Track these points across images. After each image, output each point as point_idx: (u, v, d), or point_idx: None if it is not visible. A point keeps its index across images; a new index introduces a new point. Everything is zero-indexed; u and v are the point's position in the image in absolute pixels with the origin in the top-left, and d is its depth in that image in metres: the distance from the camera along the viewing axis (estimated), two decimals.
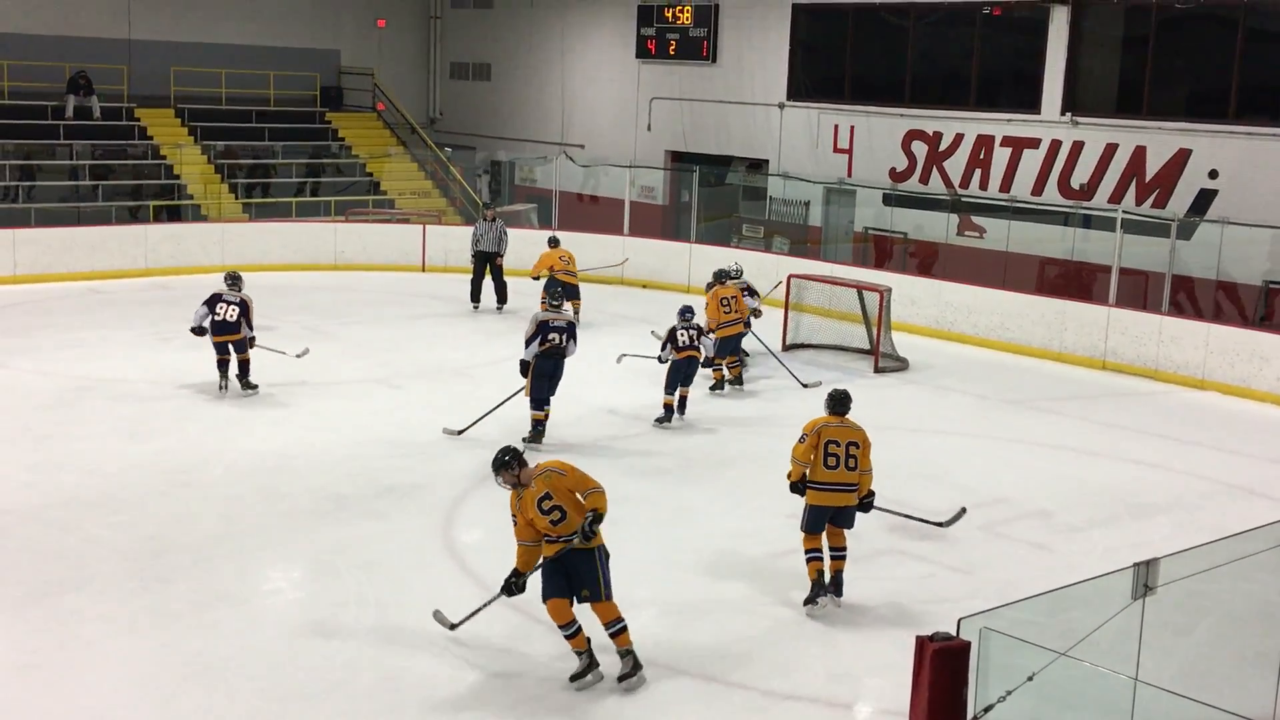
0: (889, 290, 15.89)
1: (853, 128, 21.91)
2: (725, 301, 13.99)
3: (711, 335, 13.55)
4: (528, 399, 11.80)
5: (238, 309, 13.04)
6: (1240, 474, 12.01)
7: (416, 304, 19.01)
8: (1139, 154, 18.36)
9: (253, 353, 13.29)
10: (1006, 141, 19.89)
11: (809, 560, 8.42)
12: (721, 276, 14.49)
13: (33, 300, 17.98)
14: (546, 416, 11.85)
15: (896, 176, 21.31)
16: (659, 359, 13.03)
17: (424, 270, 21.66)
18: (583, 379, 13.18)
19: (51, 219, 21.46)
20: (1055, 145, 19.31)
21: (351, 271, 21.23)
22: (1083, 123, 19.01)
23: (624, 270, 20.84)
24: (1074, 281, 18.90)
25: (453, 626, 7.72)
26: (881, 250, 21.40)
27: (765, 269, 18.54)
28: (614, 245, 21.06)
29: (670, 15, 24.60)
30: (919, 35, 21.29)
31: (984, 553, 9.66)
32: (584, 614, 7.30)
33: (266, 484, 10.58)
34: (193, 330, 13.21)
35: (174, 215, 23.19)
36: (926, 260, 20.61)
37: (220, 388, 13.23)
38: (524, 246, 19.46)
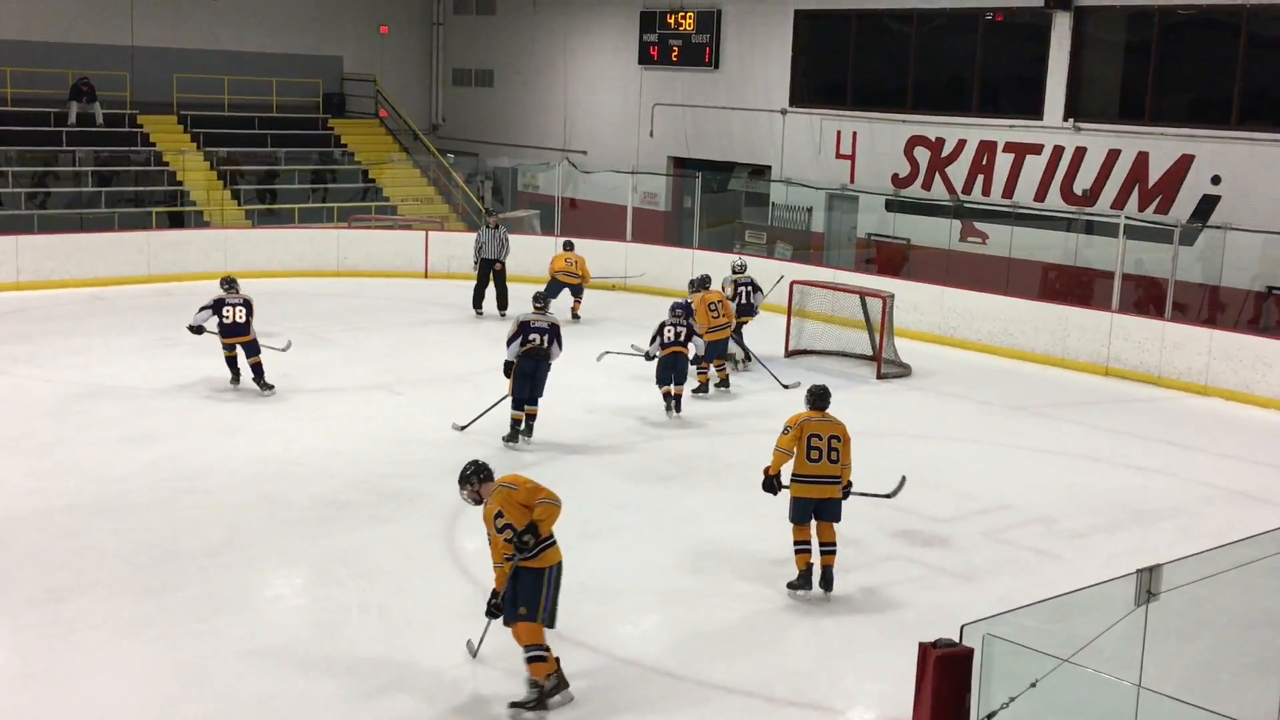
0: (891, 296, 15.90)
1: (855, 134, 21.92)
2: (713, 306, 14.22)
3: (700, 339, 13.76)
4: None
5: (245, 309, 13.24)
6: (1243, 480, 12.00)
7: (419, 310, 19.02)
8: (1141, 160, 18.34)
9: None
10: (1009, 147, 19.88)
11: (797, 551, 8.72)
12: (702, 284, 14.57)
13: (36, 306, 18.00)
14: (530, 417, 11.97)
15: (899, 182, 21.31)
16: (646, 355, 13.21)
17: (426, 276, 21.66)
18: (583, 380, 13.17)
19: (55, 225, 21.49)
20: (1058, 151, 19.31)
21: (354, 278, 21.24)
22: (1085, 129, 19.00)
23: (634, 278, 20.82)
24: (1076, 287, 18.90)
25: (474, 654, 7.60)
26: (884, 256, 21.41)
27: (768, 275, 18.48)
28: (616, 251, 21.07)
29: (673, 21, 24.61)
30: (921, 41, 21.30)
31: (987, 559, 9.66)
32: (553, 636, 7.12)
33: (269, 490, 10.59)
34: (190, 328, 13.38)
35: (177, 222, 23.21)
36: (928, 265, 20.61)
37: (232, 382, 13.47)
38: (526, 253, 19.49)
